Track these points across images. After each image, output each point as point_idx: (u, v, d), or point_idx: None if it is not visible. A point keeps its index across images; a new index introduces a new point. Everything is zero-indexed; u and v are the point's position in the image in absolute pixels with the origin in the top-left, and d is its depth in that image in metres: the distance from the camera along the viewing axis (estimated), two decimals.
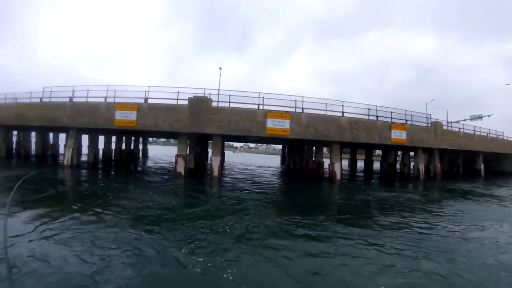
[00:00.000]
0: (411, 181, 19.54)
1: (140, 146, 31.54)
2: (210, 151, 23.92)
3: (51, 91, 19.04)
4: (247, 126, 14.84)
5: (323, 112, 16.54)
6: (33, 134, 23.21)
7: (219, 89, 16.00)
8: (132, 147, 27.52)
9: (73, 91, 18.26)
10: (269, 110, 15.14)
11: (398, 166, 25.70)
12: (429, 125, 21.51)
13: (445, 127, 23.73)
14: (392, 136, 18.37)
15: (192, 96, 15.37)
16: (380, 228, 6.30)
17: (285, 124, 15.02)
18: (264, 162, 37.87)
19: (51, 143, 24.43)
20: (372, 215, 7.93)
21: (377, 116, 18.09)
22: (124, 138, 25.63)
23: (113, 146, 22.77)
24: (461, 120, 34.53)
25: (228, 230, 5.59)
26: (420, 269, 4.12)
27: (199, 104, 15.09)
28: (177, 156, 15.36)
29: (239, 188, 12.17)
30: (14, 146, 22.07)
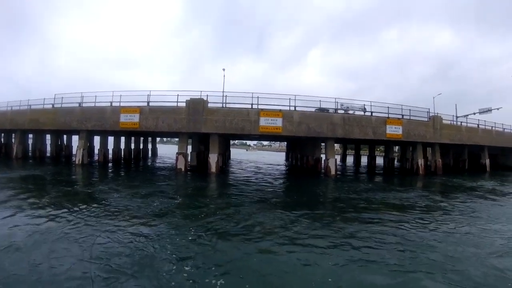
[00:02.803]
0: (409, 177, 19.49)
1: (150, 146, 33.15)
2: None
3: (62, 97, 20.57)
4: (241, 125, 15.62)
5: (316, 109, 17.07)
6: (48, 136, 24.96)
7: (223, 91, 17.06)
8: (141, 147, 29.01)
9: (82, 97, 19.69)
10: (262, 109, 15.85)
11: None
12: (428, 119, 21.49)
13: (447, 122, 23.54)
14: (387, 131, 18.60)
15: (189, 99, 16.31)
16: (344, 225, 6.49)
17: (277, 122, 15.68)
18: (272, 159, 38.61)
19: (65, 144, 26.16)
20: (345, 211, 8.11)
21: (372, 112, 18.38)
22: (133, 138, 27.07)
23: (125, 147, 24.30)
24: (470, 114, 33.92)
25: (212, 226, 6.01)
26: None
27: (196, 105, 16.02)
28: (178, 154, 16.42)
29: (232, 184, 12.95)
30: (30, 148, 23.82)
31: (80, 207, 7.25)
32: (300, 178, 16.92)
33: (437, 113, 22.68)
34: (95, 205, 7.54)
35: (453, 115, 27.10)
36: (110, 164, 19.95)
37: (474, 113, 35.49)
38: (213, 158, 15.97)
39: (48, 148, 24.61)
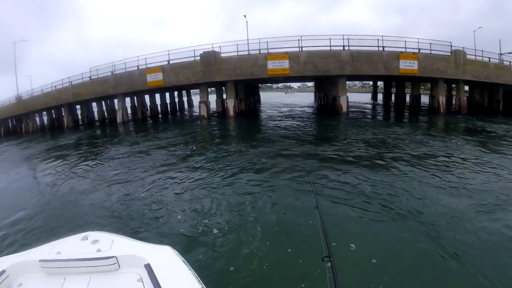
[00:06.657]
0: (427, 115, 18.71)
1: (185, 98, 36.36)
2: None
3: (97, 69, 23.51)
4: (250, 70, 16.91)
5: (326, 48, 17.33)
6: (95, 104, 28.90)
7: (248, 39, 18.58)
8: (177, 100, 32.52)
9: (113, 66, 22.39)
10: (269, 53, 16.82)
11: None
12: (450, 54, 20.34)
13: (474, 57, 21.80)
14: (401, 67, 18.25)
15: (202, 52, 17.88)
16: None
17: (284, 64, 16.59)
18: (307, 101, 38.48)
19: (109, 107, 30.04)
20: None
21: (383, 47, 18.06)
22: (168, 94, 30.30)
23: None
24: None
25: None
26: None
27: (208, 57, 17.57)
28: (200, 103, 18.62)
29: (241, 125, 14.58)
30: (80, 117, 27.90)
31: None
32: (312, 118, 17.91)
33: (463, 47, 21.25)
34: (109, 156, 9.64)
35: (481, 51, 24.48)
36: (149, 119, 23.09)
37: None
38: (230, 103, 17.75)
39: (96, 114, 28.69)
